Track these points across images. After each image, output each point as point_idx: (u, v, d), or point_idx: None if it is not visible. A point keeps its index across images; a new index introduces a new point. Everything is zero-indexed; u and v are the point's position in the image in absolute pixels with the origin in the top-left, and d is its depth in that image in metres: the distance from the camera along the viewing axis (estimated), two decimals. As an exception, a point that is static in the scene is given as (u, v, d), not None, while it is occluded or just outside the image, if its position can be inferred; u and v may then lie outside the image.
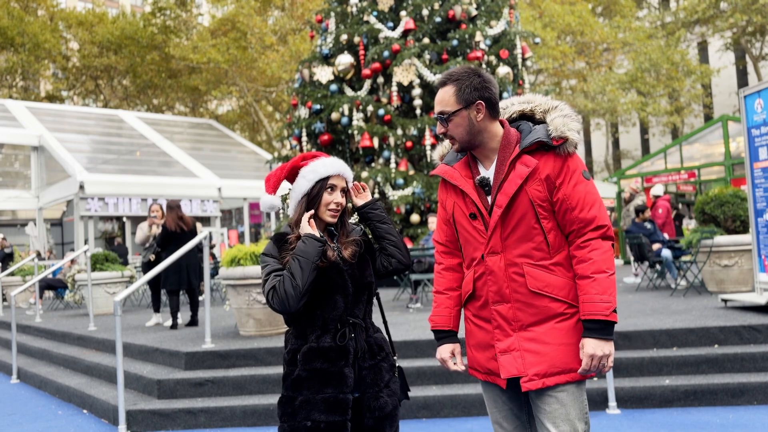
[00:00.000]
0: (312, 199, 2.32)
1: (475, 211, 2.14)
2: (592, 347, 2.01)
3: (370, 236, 2.47)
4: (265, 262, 2.31)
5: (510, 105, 2.27)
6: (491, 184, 2.13)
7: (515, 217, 2.08)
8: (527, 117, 2.24)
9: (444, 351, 2.28)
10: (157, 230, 8.21)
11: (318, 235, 2.22)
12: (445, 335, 2.30)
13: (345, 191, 2.39)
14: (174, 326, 7.68)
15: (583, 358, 2.02)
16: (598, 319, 2.01)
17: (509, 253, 2.10)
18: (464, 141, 2.14)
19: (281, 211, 2.50)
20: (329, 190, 2.33)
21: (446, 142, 2.37)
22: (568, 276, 2.10)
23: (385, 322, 2.55)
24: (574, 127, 2.10)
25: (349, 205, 2.47)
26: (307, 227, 2.24)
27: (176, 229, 7.59)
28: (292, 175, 2.40)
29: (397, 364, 2.43)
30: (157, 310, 8.46)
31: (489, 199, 2.13)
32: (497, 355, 2.12)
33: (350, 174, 2.42)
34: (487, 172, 2.17)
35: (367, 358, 2.30)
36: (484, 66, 11.95)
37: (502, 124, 2.18)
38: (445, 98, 2.13)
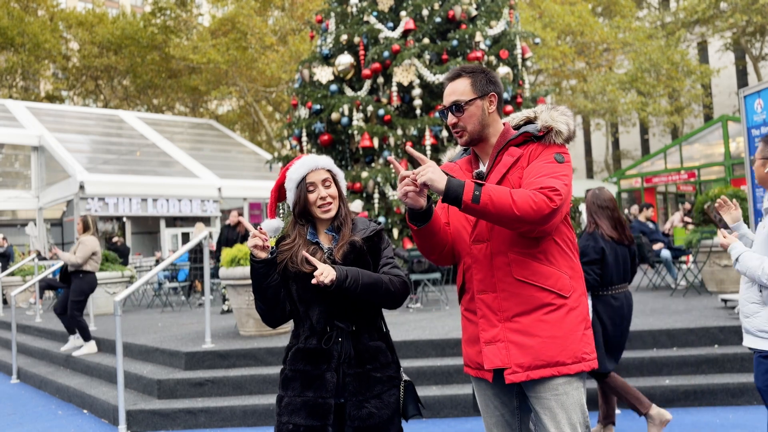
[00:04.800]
0: (300, 206, 2.29)
1: None
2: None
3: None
4: None
5: (517, 115, 2.33)
6: (486, 177, 2.17)
7: None
8: (531, 122, 2.30)
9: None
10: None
11: (260, 256, 2.17)
12: None
13: (333, 181, 2.31)
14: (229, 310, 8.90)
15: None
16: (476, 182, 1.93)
17: (495, 241, 2.10)
18: (475, 132, 2.17)
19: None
20: (310, 189, 2.28)
21: (458, 147, 2.39)
22: (554, 266, 2.09)
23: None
24: (561, 120, 2.13)
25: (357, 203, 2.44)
26: (251, 243, 2.19)
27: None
28: (283, 193, 2.40)
29: (403, 378, 2.32)
30: (87, 337, 7.32)
31: None
32: (482, 346, 2.11)
33: (327, 162, 2.33)
34: (485, 166, 2.22)
35: (353, 364, 2.21)
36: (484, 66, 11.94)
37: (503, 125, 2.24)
38: (460, 88, 2.16)
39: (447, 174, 1.97)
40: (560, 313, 2.07)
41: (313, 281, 2.07)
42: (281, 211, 2.51)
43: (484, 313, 2.11)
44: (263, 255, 2.19)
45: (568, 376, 2.06)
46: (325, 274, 2.07)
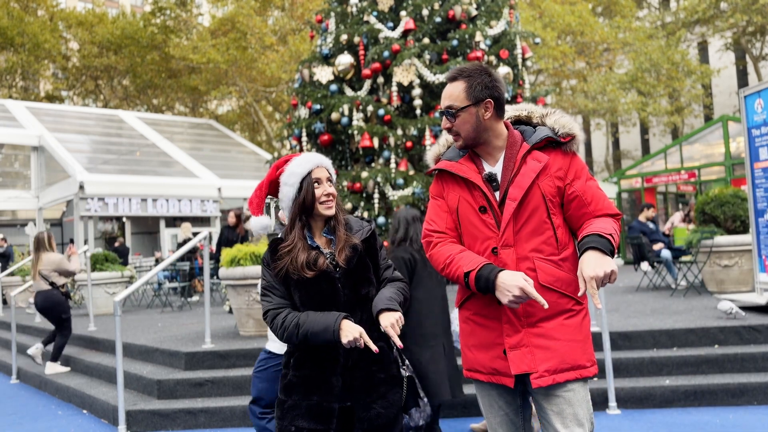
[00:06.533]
0: (305, 202, 2.26)
1: (484, 204, 2.13)
2: (593, 263, 1.93)
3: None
4: (263, 273, 2.32)
5: (508, 110, 2.31)
6: (498, 179, 2.14)
7: (527, 211, 2.09)
8: (522, 122, 2.28)
9: (518, 276, 1.98)
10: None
11: (342, 342, 2.10)
12: (493, 265, 2.06)
13: (330, 180, 2.32)
14: None
15: (584, 278, 1.92)
16: (600, 234, 2.00)
17: (520, 247, 2.09)
18: (469, 138, 2.15)
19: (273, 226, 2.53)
20: (316, 184, 2.27)
21: (441, 141, 2.37)
22: (573, 273, 2.12)
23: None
24: (577, 128, 2.16)
25: (349, 204, 2.45)
26: (349, 331, 2.11)
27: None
28: (273, 190, 2.37)
29: (406, 374, 2.33)
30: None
31: (497, 194, 2.14)
32: (507, 351, 2.09)
33: (327, 162, 2.35)
34: (493, 168, 2.17)
35: (359, 367, 2.21)
36: (484, 66, 11.92)
37: (505, 125, 2.21)
38: (455, 93, 2.14)
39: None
40: (578, 318, 2.11)
41: (400, 344, 2.11)
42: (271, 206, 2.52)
43: (509, 317, 2.09)
44: (344, 341, 2.11)
45: (586, 377, 2.10)
46: (397, 322, 2.11)
